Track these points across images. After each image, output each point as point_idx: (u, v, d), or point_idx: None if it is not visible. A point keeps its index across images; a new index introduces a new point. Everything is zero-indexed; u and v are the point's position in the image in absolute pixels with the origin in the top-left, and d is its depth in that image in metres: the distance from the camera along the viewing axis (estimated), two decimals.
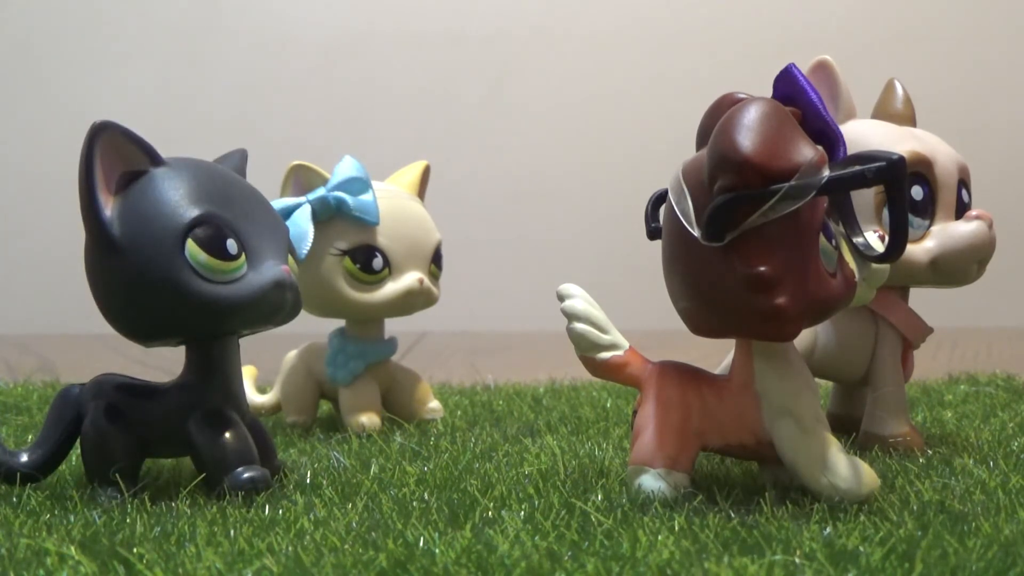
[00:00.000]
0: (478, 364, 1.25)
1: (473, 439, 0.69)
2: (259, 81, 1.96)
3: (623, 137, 1.92)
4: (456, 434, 0.72)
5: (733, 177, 0.44)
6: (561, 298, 0.56)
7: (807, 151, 0.44)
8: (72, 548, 0.41)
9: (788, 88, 0.49)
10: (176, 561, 0.40)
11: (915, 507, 0.48)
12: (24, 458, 0.56)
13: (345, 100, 1.94)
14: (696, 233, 0.46)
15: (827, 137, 0.47)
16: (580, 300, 0.56)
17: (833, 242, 0.47)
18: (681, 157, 0.49)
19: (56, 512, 0.49)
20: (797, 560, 0.39)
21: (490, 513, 0.47)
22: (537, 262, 1.88)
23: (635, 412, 0.55)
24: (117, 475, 0.53)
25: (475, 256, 1.78)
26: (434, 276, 0.77)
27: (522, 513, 0.47)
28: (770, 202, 0.43)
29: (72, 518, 0.48)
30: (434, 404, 0.81)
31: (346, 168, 0.72)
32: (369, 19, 1.96)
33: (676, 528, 0.44)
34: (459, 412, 0.83)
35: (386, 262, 0.73)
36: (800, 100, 0.48)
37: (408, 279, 0.73)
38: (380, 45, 1.95)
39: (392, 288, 0.73)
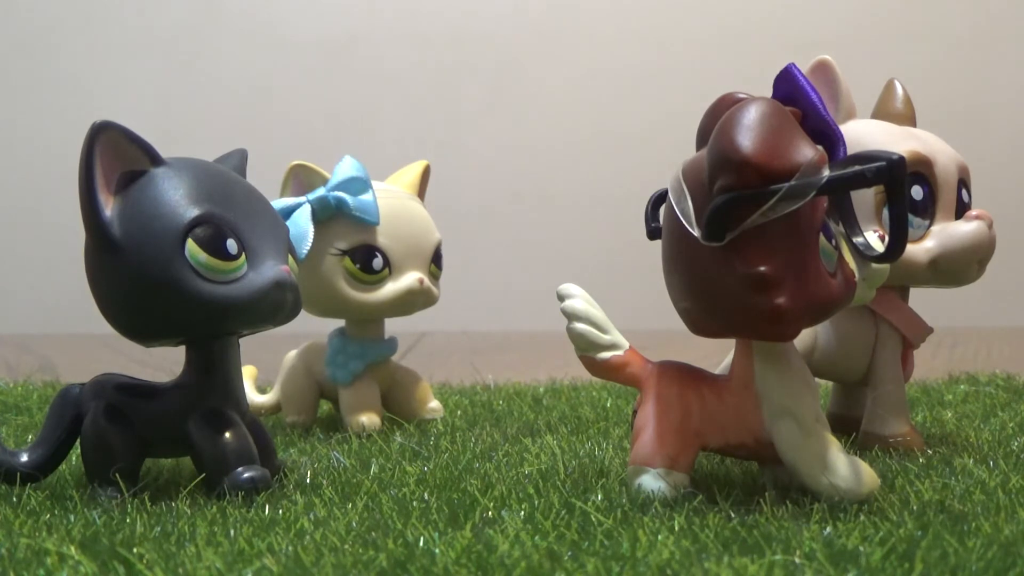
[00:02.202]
0: (478, 364, 1.25)
1: (473, 439, 0.69)
2: (259, 81, 1.96)
3: (623, 137, 1.92)
4: (456, 434, 0.72)
5: (733, 177, 0.44)
6: (561, 298, 0.56)
7: (807, 151, 0.44)
8: (72, 548, 0.41)
9: (788, 88, 0.49)
10: (176, 561, 0.40)
11: (915, 507, 0.48)
12: (24, 458, 0.56)
13: (345, 100, 1.94)
14: (696, 233, 0.46)
15: (827, 137, 0.47)
16: (580, 300, 0.56)
17: (833, 242, 0.47)
18: (681, 157, 0.49)
19: (56, 512, 0.49)
20: (797, 560, 0.39)
21: (490, 513, 0.47)
22: (537, 262, 1.88)
23: (635, 412, 0.55)
24: (117, 475, 0.53)
25: (475, 256, 1.79)
26: (434, 276, 0.77)
27: (522, 513, 0.47)
28: (770, 202, 0.43)
29: (72, 518, 0.48)
30: (434, 404, 0.81)
31: (346, 168, 0.72)
32: (369, 19, 1.96)
33: (676, 528, 0.44)
34: (459, 412, 0.83)
35: (386, 262, 0.73)
36: (800, 100, 0.48)
37: (408, 279, 0.73)
38: (380, 45, 1.95)
39: (392, 288, 0.73)
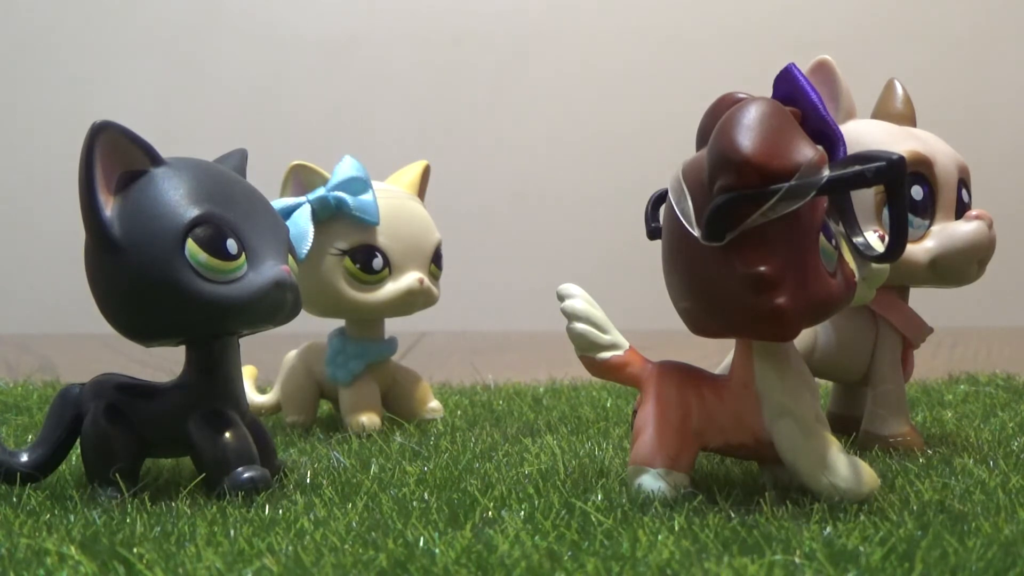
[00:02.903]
0: (478, 364, 1.25)
1: (473, 439, 0.69)
2: (259, 81, 1.96)
3: (623, 137, 1.92)
4: (456, 434, 0.72)
5: (733, 177, 0.44)
6: (561, 298, 0.56)
7: (807, 151, 0.44)
8: (72, 548, 0.41)
9: (788, 88, 0.49)
10: (176, 561, 0.40)
11: (915, 507, 0.48)
12: (24, 458, 0.56)
13: (345, 100, 1.94)
14: (696, 233, 0.46)
15: (827, 137, 0.47)
16: (580, 300, 0.56)
17: (833, 242, 0.47)
18: (681, 157, 0.49)
19: (56, 512, 0.49)
20: (797, 560, 0.39)
21: (490, 513, 0.47)
22: (537, 262, 1.88)
23: (635, 412, 0.55)
24: (117, 475, 0.53)
25: (475, 256, 1.78)
26: (434, 276, 0.77)
27: (522, 513, 0.47)
28: (770, 202, 0.43)
29: (72, 518, 0.48)
30: (434, 404, 0.81)
31: (346, 168, 0.72)
32: (369, 19, 1.96)
33: (676, 528, 0.44)
34: (459, 412, 0.83)
35: (386, 262, 0.73)
36: (800, 100, 0.48)
37: (408, 279, 0.73)
38: (380, 45, 1.95)
39: (392, 288, 0.73)
